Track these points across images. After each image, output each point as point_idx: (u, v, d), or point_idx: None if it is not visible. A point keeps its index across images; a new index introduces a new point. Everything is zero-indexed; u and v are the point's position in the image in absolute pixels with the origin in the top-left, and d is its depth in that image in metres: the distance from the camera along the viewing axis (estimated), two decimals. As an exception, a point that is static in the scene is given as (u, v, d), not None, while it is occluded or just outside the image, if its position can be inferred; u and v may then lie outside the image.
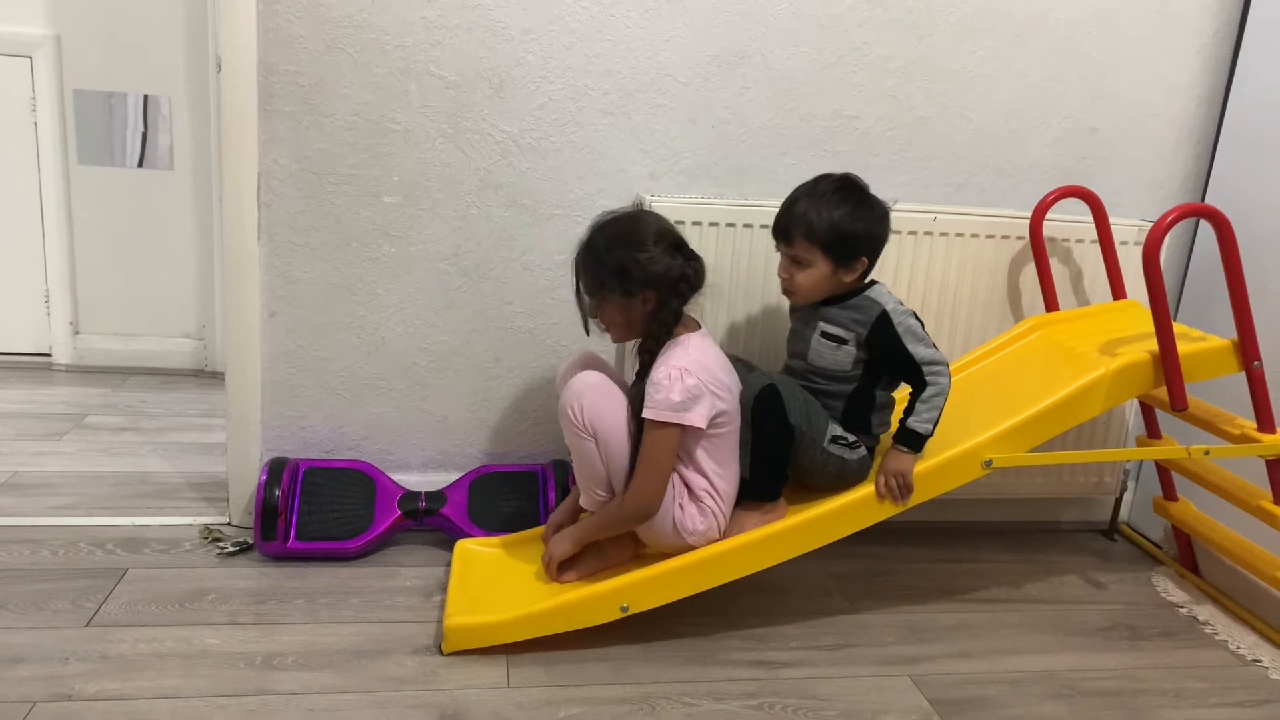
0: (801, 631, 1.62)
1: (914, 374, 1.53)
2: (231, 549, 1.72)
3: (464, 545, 1.70)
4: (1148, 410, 1.93)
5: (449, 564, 1.67)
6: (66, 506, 1.86)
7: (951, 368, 1.80)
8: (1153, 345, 1.60)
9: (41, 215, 2.60)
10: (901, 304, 1.56)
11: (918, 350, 1.52)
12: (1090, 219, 1.87)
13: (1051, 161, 1.96)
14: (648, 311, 1.49)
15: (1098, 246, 1.89)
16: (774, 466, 1.55)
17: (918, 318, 1.55)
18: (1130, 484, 2.14)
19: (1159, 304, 1.56)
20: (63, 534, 1.74)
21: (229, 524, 1.83)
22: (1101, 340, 1.69)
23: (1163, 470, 1.95)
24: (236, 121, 1.67)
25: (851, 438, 1.55)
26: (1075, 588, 1.88)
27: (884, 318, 1.52)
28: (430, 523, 1.79)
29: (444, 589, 1.61)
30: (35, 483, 1.95)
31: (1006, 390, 1.69)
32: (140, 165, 2.62)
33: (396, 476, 1.84)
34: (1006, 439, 1.56)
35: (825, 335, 1.55)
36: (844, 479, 1.56)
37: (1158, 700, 1.51)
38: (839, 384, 1.56)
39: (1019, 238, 1.89)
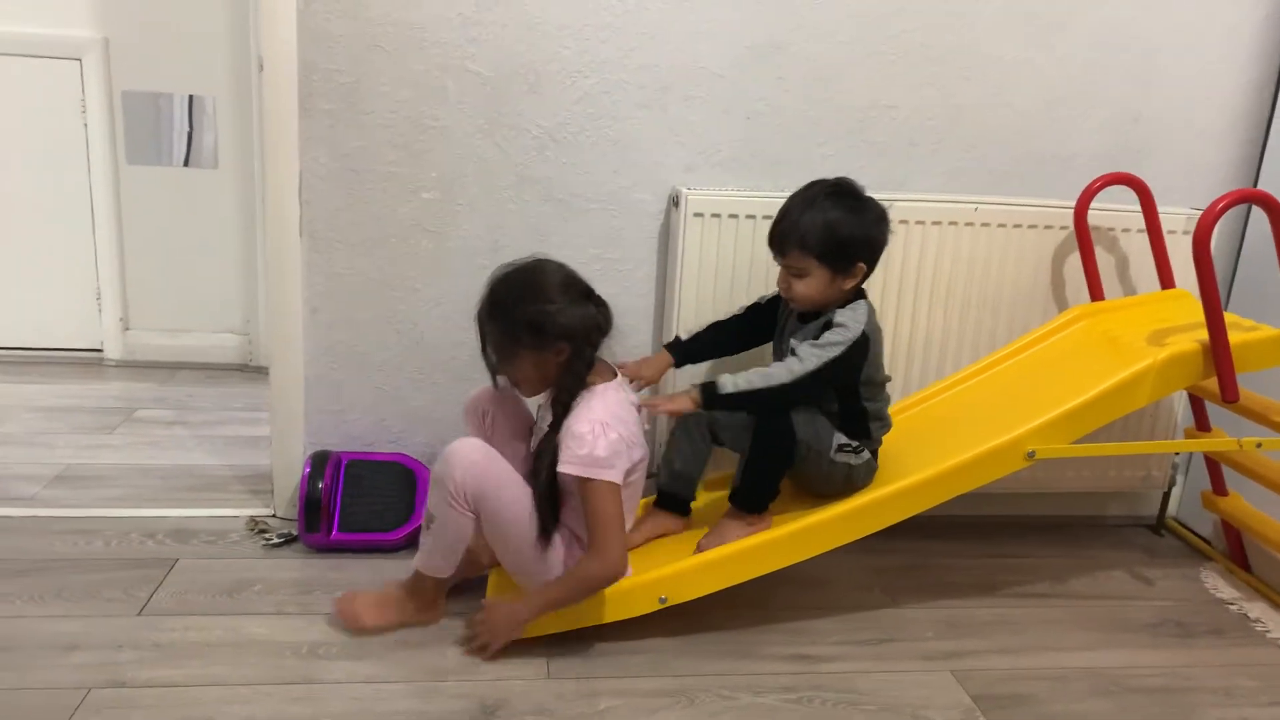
0: (841, 626, 1.61)
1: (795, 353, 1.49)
2: (277, 540, 1.76)
3: (503, 537, 1.72)
4: (1197, 402, 1.88)
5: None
6: (118, 498, 1.90)
7: (993, 358, 1.80)
8: (1202, 335, 1.57)
9: (92, 214, 2.66)
10: (874, 327, 1.52)
11: (810, 347, 1.47)
12: (1137, 207, 1.83)
13: (1096, 149, 1.92)
14: (560, 363, 1.42)
15: (1144, 235, 1.85)
16: (768, 480, 1.54)
17: (864, 346, 1.49)
18: (1179, 478, 2.10)
19: (1209, 293, 1.52)
20: (115, 525, 1.78)
21: (274, 516, 1.86)
22: (1149, 330, 1.65)
23: (1212, 464, 1.91)
24: (278, 120, 1.69)
25: (855, 443, 1.54)
26: (1121, 583, 1.84)
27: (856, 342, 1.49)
28: (470, 515, 1.80)
29: (484, 581, 1.63)
30: (88, 475, 2.01)
31: (1050, 380, 1.66)
32: (186, 164, 2.67)
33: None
34: (1050, 430, 1.54)
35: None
36: (852, 483, 1.55)
37: (1207, 699, 1.48)
38: (829, 396, 1.54)
39: (1062, 227, 1.85)
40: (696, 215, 1.73)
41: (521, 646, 1.47)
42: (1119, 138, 1.93)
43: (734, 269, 1.76)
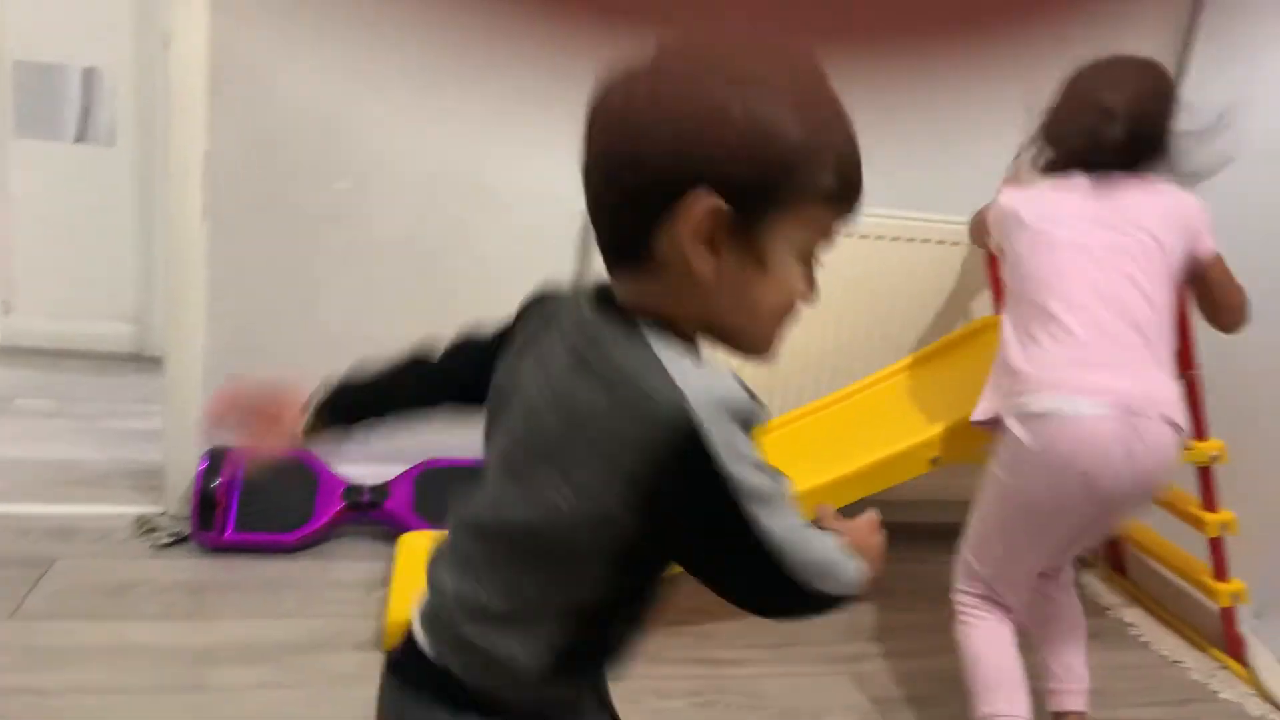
0: (744, 629, 1.63)
1: None
2: (167, 540, 1.68)
3: (409, 539, 1.68)
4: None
5: (393, 558, 1.64)
6: (-9, 492, 1.79)
7: (895, 368, 1.83)
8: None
9: (-28, 189, 2.50)
10: None
11: None
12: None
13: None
14: None
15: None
16: None
17: None
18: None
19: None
20: (-13, 521, 1.68)
21: (164, 514, 1.78)
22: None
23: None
24: (184, 99, 1.61)
25: None
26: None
27: None
28: (374, 516, 1.76)
29: (387, 583, 1.59)
30: (-42, 467, 1.88)
31: (958, 388, 1.72)
32: (78, 140, 2.53)
33: (341, 469, 1.81)
34: (953, 437, 1.59)
35: None
36: None
37: (1087, 700, 1.55)
38: None
39: (953, 244, 1.91)
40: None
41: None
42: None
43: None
